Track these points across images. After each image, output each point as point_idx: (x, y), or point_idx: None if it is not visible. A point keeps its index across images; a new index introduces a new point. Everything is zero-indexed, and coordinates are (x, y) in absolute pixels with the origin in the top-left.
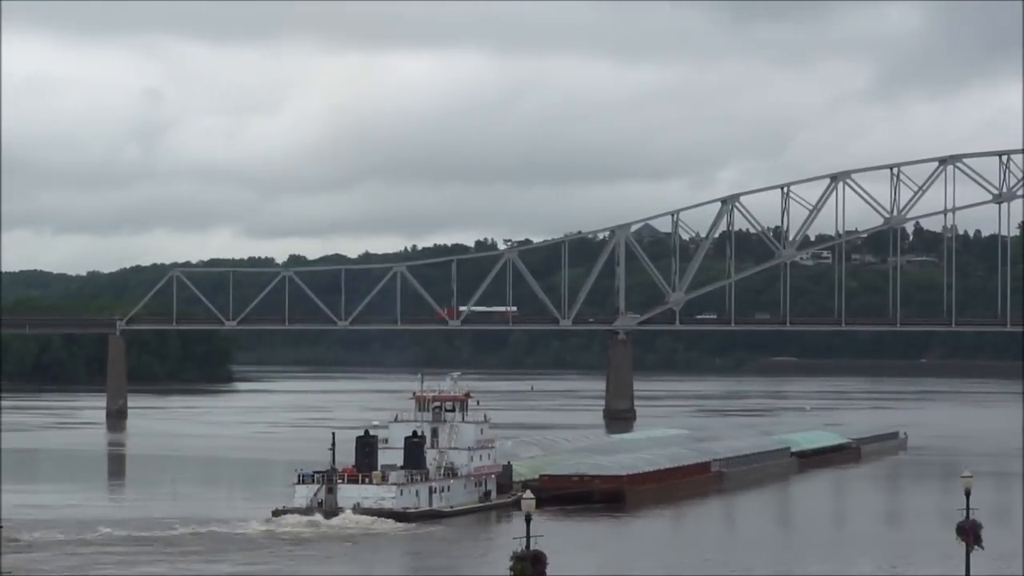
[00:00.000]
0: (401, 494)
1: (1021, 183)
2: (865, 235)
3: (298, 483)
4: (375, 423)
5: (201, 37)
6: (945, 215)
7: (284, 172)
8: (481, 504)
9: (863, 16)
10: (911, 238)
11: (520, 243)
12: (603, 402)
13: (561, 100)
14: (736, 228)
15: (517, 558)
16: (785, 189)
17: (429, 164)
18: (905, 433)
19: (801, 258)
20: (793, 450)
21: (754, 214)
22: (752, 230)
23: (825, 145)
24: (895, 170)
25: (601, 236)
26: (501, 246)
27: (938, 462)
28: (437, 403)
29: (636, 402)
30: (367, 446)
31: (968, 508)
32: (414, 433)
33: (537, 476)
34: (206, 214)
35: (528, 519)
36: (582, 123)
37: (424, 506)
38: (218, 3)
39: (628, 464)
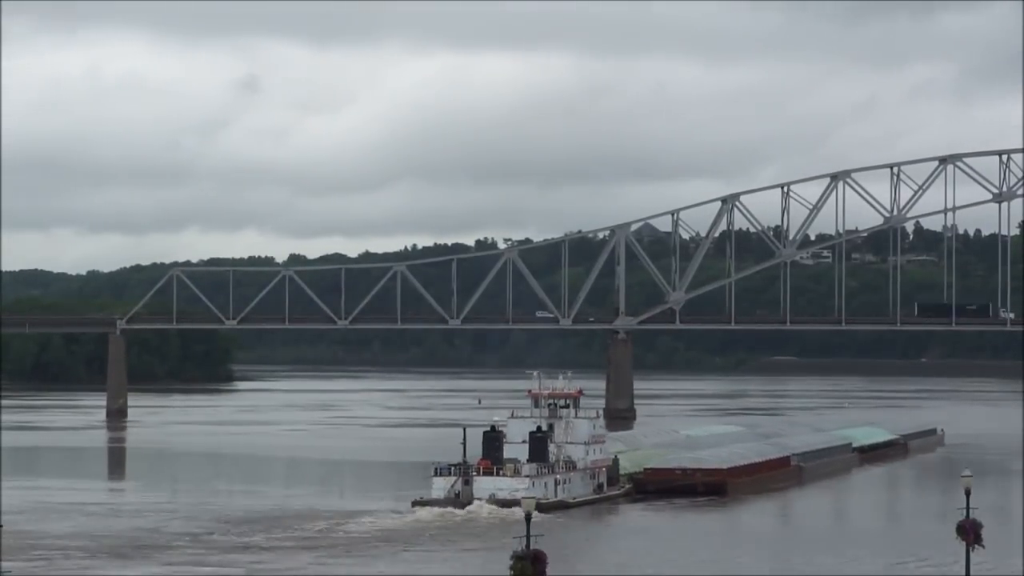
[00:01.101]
0: (533, 486)
1: (1021, 182)
2: (865, 234)
3: (435, 475)
4: (496, 419)
5: (295, 37)
6: (945, 214)
7: (322, 172)
8: (596, 496)
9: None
10: (911, 237)
11: (520, 242)
12: (603, 401)
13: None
14: (736, 227)
15: (517, 557)
16: (785, 188)
17: (460, 165)
18: (942, 430)
19: (801, 257)
20: (854, 445)
21: (754, 213)
22: (752, 229)
23: (867, 142)
24: (895, 169)
25: (601, 235)
26: (501, 245)
27: (978, 458)
28: (552, 400)
29: (636, 401)
30: (494, 441)
31: (968, 508)
32: (538, 428)
33: (641, 469)
34: (238, 213)
35: (528, 518)
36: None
37: (551, 497)
38: (317, 3)
39: (726, 458)
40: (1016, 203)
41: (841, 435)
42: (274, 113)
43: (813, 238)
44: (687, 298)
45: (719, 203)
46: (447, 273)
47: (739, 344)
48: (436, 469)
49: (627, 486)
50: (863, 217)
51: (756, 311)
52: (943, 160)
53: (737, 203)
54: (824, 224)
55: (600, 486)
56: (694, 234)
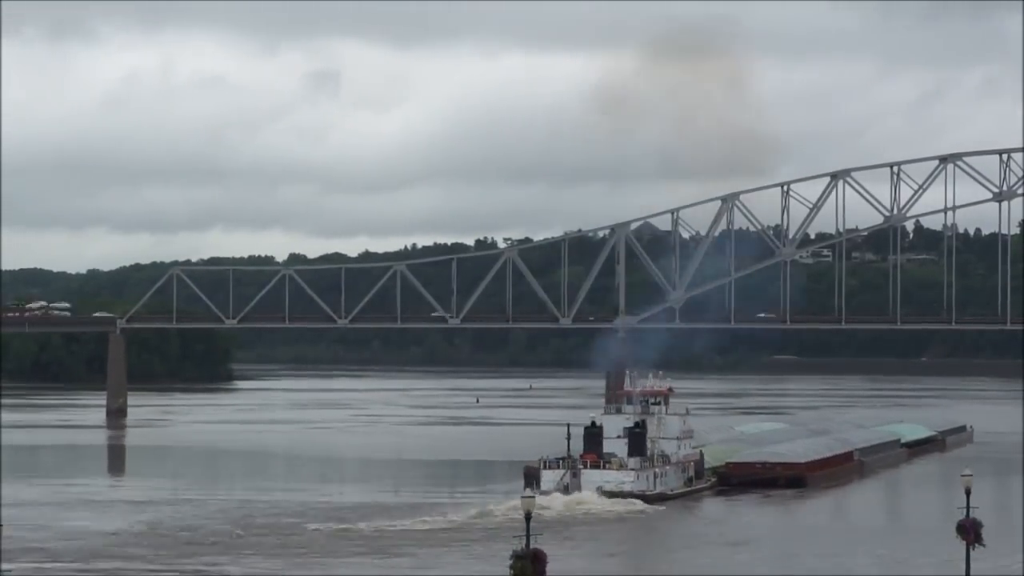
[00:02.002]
0: (637, 478)
1: (1021, 181)
2: (865, 233)
3: (544, 468)
4: (592, 415)
5: (370, 37)
6: (945, 213)
7: (351, 172)
8: (688, 488)
9: None
10: (911, 236)
11: (520, 241)
12: (603, 400)
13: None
14: (736, 226)
15: (517, 557)
16: (785, 187)
17: (484, 166)
18: (971, 426)
19: (801, 256)
20: (902, 441)
21: (754, 212)
22: (752, 228)
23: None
24: (895, 168)
25: (601, 234)
26: (501, 245)
27: (1009, 455)
28: (644, 397)
29: None
30: (595, 436)
31: (968, 507)
32: (636, 424)
33: (723, 464)
34: (264, 212)
35: (528, 518)
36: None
37: (652, 490)
38: (397, 3)
39: (802, 453)
40: (1016, 202)
41: (888, 431)
42: (328, 112)
43: (813, 237)
44: (687, 297)
45: (719, 202)
46: (447, 272)
47: (739, 343)
48: (544, 462)
49: (712, 479)
50: (863, 216)
51: (756, 315)
52: (943, 159)
53: (737, 202)
54: (824, 223)
55: (690, 479)
56: (694, 233)
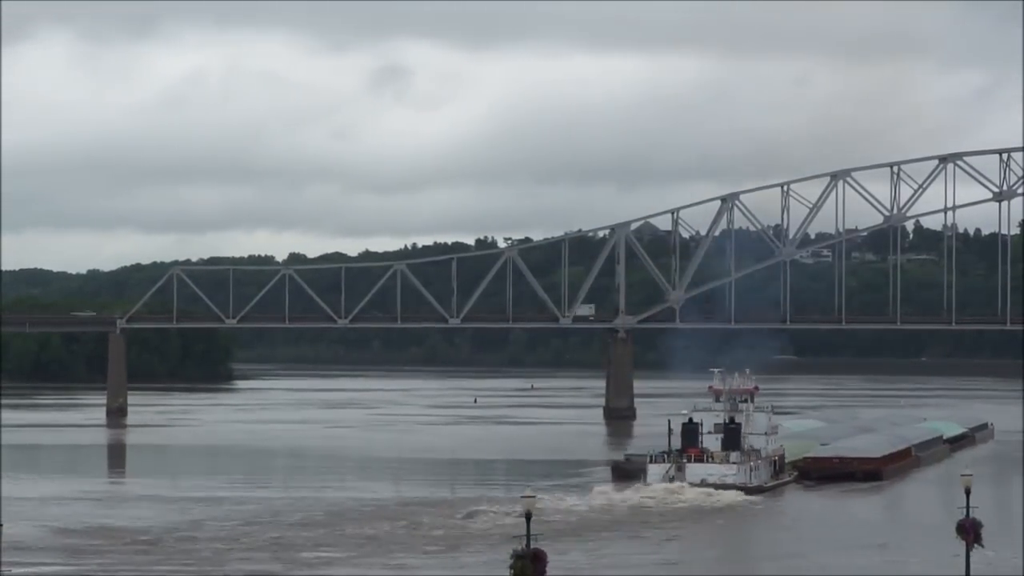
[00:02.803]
0: (738, 472)
1: (1021, 181)
2: (865, 233)
3: (650, 463)
4: (684, 411)
5: (437, 37)
6: (945, 213)
7: (378, 172)
8: (776, 481)
9: None
10: (911, 236)
11: (520, 241)
12: (603, 400)
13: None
14: (736, 226)
15: (517, 557)
16: (785, 187)
17: (509, 167)
18: (992, 424)
19: (801, 256)
20: (944, 437)
21: (754, 212)
22: (752, 228)
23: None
24: (895, 168)
25: (601, 234)
26: (501, 244)
27: None
28: (732, 395)
29: (636, 400)
30: (692, 432)
31: (968, 507)
32: (731, 420)
33: (801, 458)
34: (292, 212)
35: (528, 517)
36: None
37: (750, 483)
38: (466, 4)
39: (873, 448)
40: (1016, 202)
41: (929, 428)
42: (375, 112)
43: (813, 237)
44: (687, 297)
45: (719, 202)
46: (447, 272)
47: (740, 343)
48: (651, 456)
49: (794, 473)
50: (863, 216)
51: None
52: (943, 159)
53: (737, 202)
54: (824, 223)
55: (776, 473)
56: (694, 233)
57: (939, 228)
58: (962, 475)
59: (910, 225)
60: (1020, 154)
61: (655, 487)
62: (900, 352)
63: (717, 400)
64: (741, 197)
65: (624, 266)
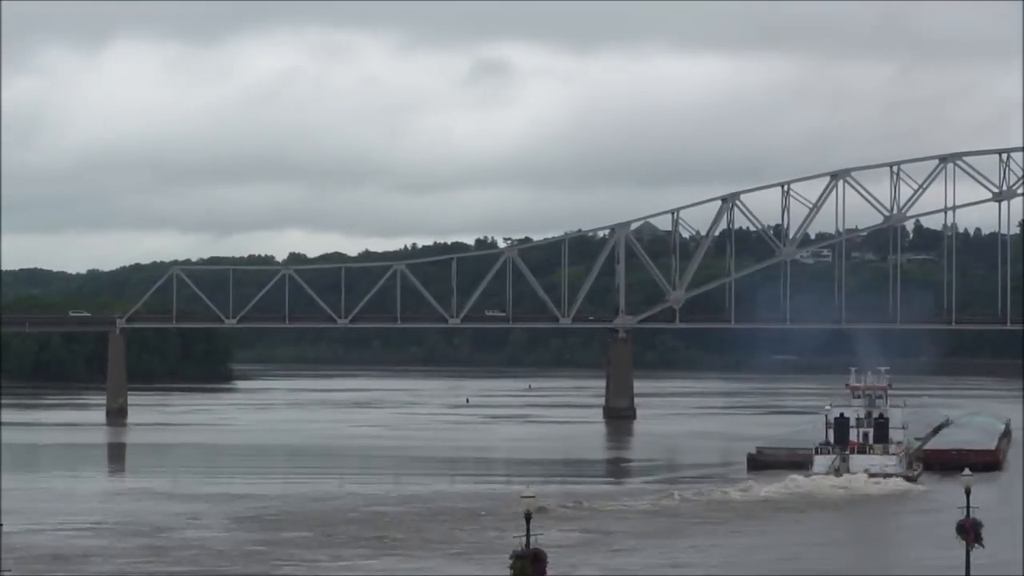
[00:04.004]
0: (898, 462)
1: (1021, 181)
2: (865, 233)
3: (816, 454)
4: (827, 407)
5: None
6: (945, 213)
7: (407, 172)
8: (915, 472)
9: None
10: (911, 236)
11: (520, 241)
12: (603, 400)
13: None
14: (736, 226)
15: (517, 556)
16: (786, 187)
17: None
18: (1009, 420)
19: (801, 256)
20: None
21: (755, 212)
22: (752, 228)
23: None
24: (895, 168)
25: (601, 234)
26: (501, 244)
27: None
28: (869, 391)
29: (636, 400)
30: (843, 426)
31: (968, 507)
32: (880, 415)
33: (920, 451)
34: (322, 212)
35: (528, 517)
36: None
37: (903, 472)
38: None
39: (985, 441)
40: (1016, 202)
41: (988, 423)
42: (440, 112)
43: (813, 237)
44: (687, 297)
45: (719, 202)
46: (447, 272)
47: (739, 343)
48: (817, 448)
49: (920, 464)
50: (863, 216)
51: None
52: (943, 159)
53: (737, 202)
54: (824, 223)
55: (911, 464)
56: (694, 233)
57: (939, 228)
58: (962, 476)
59: (910, 225)
60: (1019, 154)
61: (832, 476)
62: (899, 352)
63: (856, 396)
64: (741, 197)
65: (624, 266)
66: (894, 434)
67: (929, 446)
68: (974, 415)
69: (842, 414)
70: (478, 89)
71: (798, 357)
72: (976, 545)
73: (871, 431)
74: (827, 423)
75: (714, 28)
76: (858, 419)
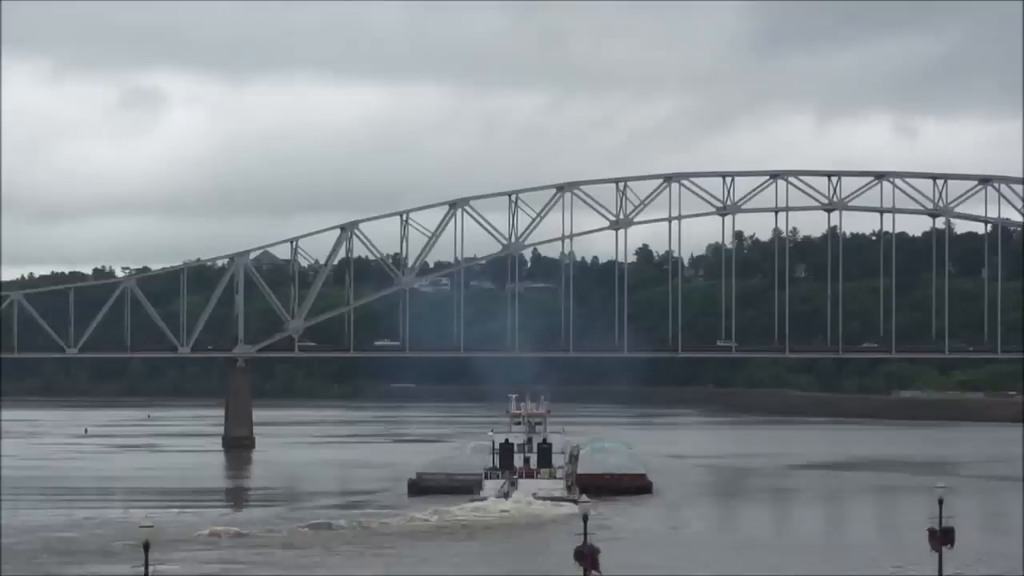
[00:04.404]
0: (564, 487)
1: (637, 210)
2: (484, 261)
3: (486, 478)
4: (490, 433)
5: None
6: (563, 241)
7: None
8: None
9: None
10: (529, 264)
11: (139, 271)
12: (222, 429)
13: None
14: (356, 255)
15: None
16: (404, 216)
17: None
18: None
19: (420, 285)
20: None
21: (373, 241)
22: (371, 257)
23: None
24: (513, 197)
25: (220, 263)
26: (120, 274)
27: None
28: (530, 419)
29: (255, 429)
30: (508, 451)
31: (941, 516)
32: (544, 440)
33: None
34: None
35: (146, 548)
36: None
37: (571, 496)
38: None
39: (635, 466)
40: (633, 230)
41: (624, 450)
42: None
43: (432, 265)
44: (306, 326)
45: (338, 231)
46: (65, 302)
47: (358, 372)
48: (487, 472)
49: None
50: (482, 245)
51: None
52: (560, 188)
53: (356, 231)
54: (443, 252)
55: (570, 487)
56: (313, 262)
57: (557, 256)
58: (936, 487)
59: (528, 253)
60: (636, 183)
61: (509, 501)
62: (517, 379)
63: (516, 423)
64: (360, 226)
65: (243, 295)
66: (556, 459)
67: (582, 470)
68: (597, 441)
69: (507, 440)
70: (127, 117)
71: (417, 385)
72: (593, 572)
73: (533, 456)
74: (492, 449)
75: (372, 57)
76: (520, 445)
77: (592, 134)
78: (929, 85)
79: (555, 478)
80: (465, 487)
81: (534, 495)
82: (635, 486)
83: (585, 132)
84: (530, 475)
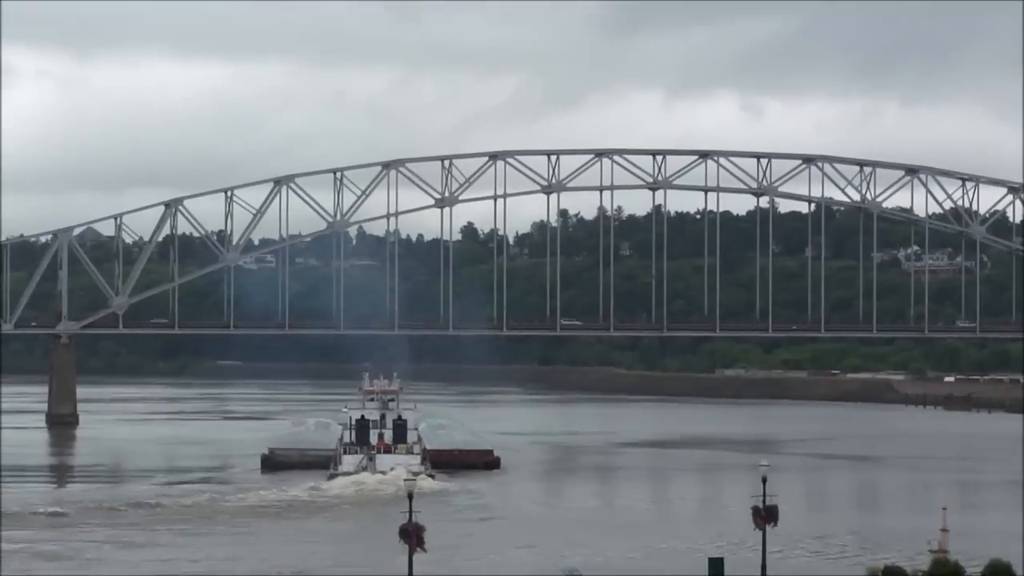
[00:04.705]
0: (420, 462)
1: (462, 188)
2: (309, 239)
3: (344, 453)
4: (344, 409)
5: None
6: (388, 219)
7: None
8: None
9: None
10: (355, 242)
11: None
12: (47, 407)
13: None
14: (180, 232)
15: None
16: (228, 193)
17: None
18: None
19: (245, 262)
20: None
21: (198, 218)
22: (196, 234)
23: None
24: (338, 174)
25: (44, 239)
26: None
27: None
28: (382, 395)
29: (79, 407)
30: (364, 427)
31: (764, 494)
32: (399, 417)
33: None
34: None
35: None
36: None
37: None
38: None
39: (481, 441)
40: (458, 208)
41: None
42: None
43: (257, 243)
44: (131, 303)
45: (162, 207)
46: None
47: (183, 349)
48: (344, 448)
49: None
50: (308, 222)
51: (202, 318)
52: (386, 165)
53: (180, 207)
54: (269, 229)
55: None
56: (137, 238)
57: (383, 234)
58: (760, 465)
59: (353, 231)
60: (461, 161)
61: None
62: (345, 356)
63: (370, 399)
64: (185, 203)
65: (67, 271)
66: (411, 435)
67: (430, 446)
68: (430, 418)
69: (363, 416)
70: None
71: (242, 363)
72: (419, 549)
73: (387, 432)
74: (349, 425)
75: (213, 33)
76: (374, 421)
77: (428, 112)
78: (775, 65)
79: (412, 453)
80: (319, 462)
81: (391, 469)
82: (483, 461)
83: (423, 110)
84: (388, 450)
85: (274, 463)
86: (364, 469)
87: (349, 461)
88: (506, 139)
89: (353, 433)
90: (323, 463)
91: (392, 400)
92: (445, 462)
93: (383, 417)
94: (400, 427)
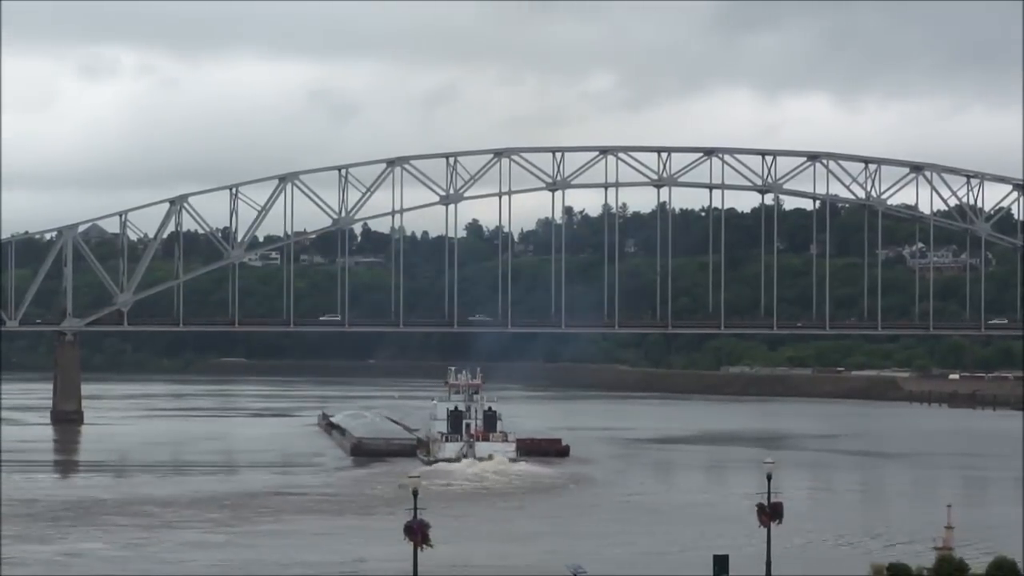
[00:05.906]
0: (515, 449)
1: (467, 184)
2: (314, 236)
3: (445, 441)
4: (434, 401)
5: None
6: (393, 216)
7: None
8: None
9: None
10: (359, 239)
11: None
12: (51, 403)
13: None
14: (185, 229)
15: None
16: (234, 190)
17: None
18: None
19: (250, 259)
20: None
21: (203, 215)
22: (201, 231)
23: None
24: (343, 171)
25: (49, 236)
26: None
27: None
28: (467, 389)
29: (84, 403)
30: (458, 417)
31: (769, 492)
32: (489, 408)
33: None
34: None
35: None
36: None
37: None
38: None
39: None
40: (464, 205)
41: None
42: None
43: (262, 240)
44: (135, 299)
45: (167, 204)
46: None
47: (188, 346)
48: (444, 436)
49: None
50: (312, 219)
51: (207, 315)
52: (391, 162)
53: (185, 204)
54: (273, 226)
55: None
56: (142, 235)
57: (387, 231)
58: (764, 462)
59: (358, 228)
60: (466, 158)
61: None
62: (349, 354)
63: (455, 392)
64: (190, 199)
65: (71, 268)
66: (500, 425)
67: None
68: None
69: (456, 407)
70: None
71: (247, 360)
72: (425, 546)
73: (477, 422)
74: (436, 416)
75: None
76: (464, 412)
77: (425, 109)
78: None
79: (507, 441)
80: (404, 451)
81: (489, 456)
82: (554, 449)
83: (419, 106)
84: (485, 439)
85: (363, 451)
86: (464, 456)
87: (450, 448)
88: (503, 136)
89: (447, 424)
90: (408, 451)
91: (476, 393)
92: (528, 449)
93: (468, 408)
94: (490, 417)
